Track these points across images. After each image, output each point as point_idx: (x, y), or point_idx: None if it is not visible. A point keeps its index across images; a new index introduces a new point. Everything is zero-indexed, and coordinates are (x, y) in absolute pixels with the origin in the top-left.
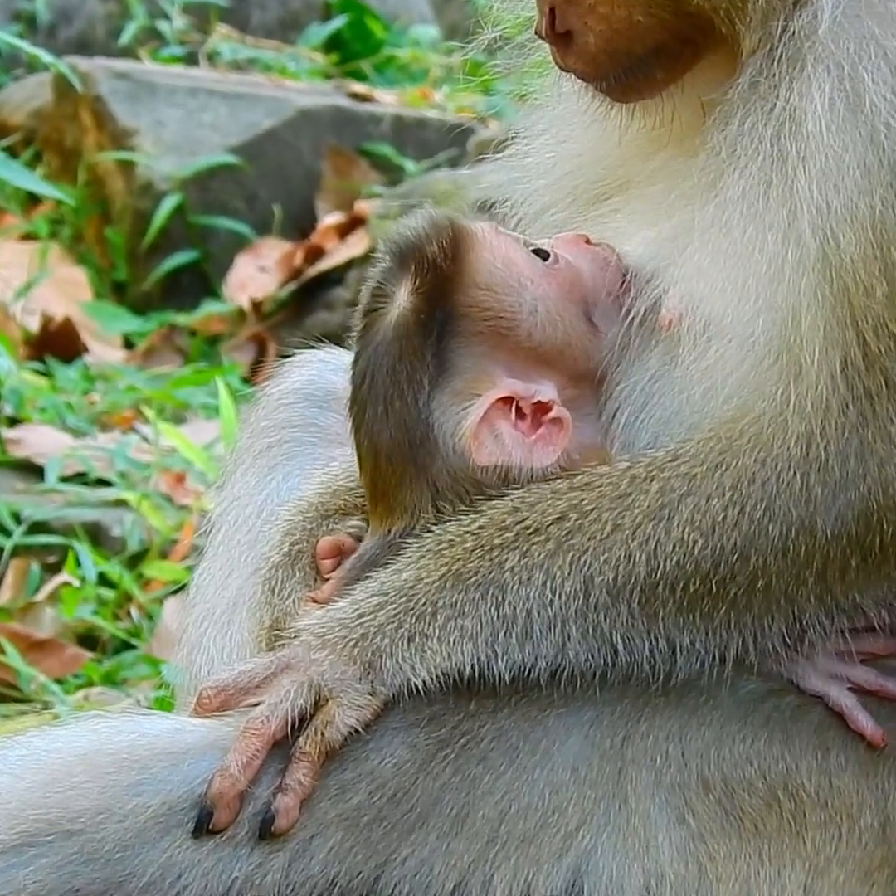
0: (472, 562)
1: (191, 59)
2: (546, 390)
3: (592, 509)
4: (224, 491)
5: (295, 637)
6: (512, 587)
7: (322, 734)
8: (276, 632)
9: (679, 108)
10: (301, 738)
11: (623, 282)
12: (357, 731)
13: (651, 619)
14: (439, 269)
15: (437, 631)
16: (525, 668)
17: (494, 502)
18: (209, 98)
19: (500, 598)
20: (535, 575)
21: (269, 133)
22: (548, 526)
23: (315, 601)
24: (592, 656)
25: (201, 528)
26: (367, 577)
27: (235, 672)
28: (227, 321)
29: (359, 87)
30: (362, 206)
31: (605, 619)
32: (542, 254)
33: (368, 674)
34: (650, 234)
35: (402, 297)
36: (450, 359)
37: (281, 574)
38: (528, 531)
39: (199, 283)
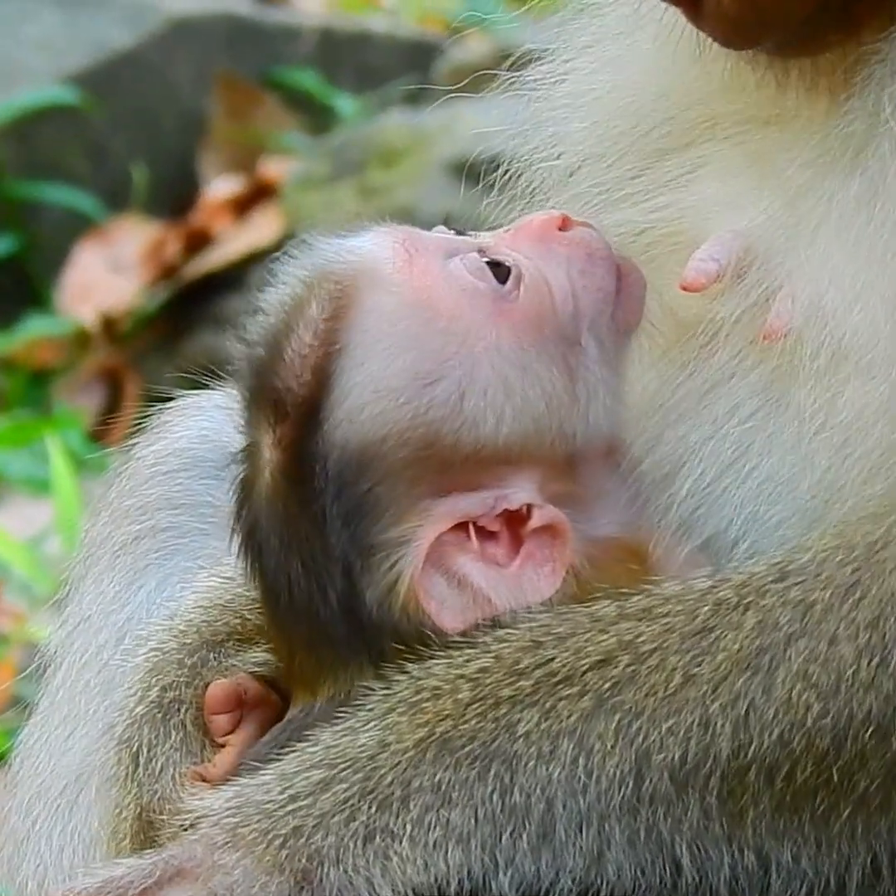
0: (467, 722)
1: None
2: (517, 491)
3: (653, 651)
4: (66, 608)
5: (189, 827)
6: (526, 763)
7: None
8: (147, 823)
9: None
10: None
11: (621, 276)
12: None
13: (735, 822)
14: (302, 398)
15: (409, 827)
16: (541, 887)
17: (504, 632)
18: (34, 1)
19: (507, 780)
20: (561, 746)
21: (126, 55)
22: (584, 672)
23: (204, 780)
24: (643, 872)
25: (29, 667)
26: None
27: (98, 881)
28: (62, 346)
29: None
30: (271, 168)
31: (666, 819)
32: (498, 271)
33: (303, 889)
34: (752, 208)
35: (267, 455)
36: (356, 510)
37: (148, 735)
38: (555, 679)
39: (18, 287)
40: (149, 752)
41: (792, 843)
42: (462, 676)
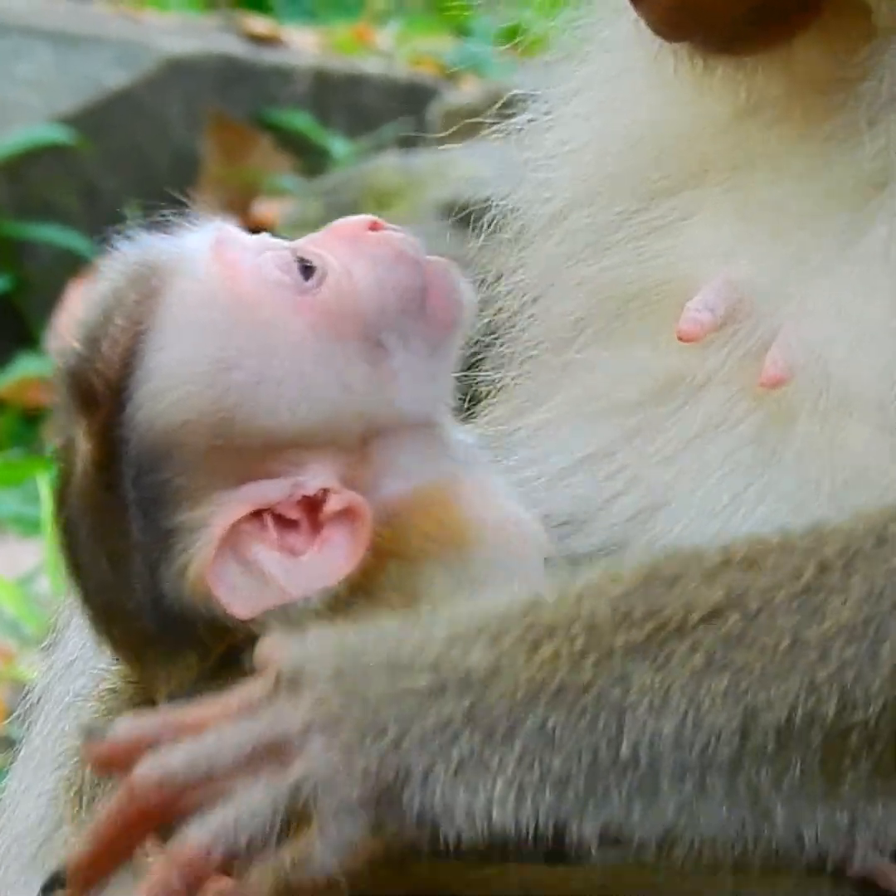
0: (584, 671)
1: None
2: (313, 477)
3: (760, 610)
4: (53, 652)
5: (289, 680)
6: (636, 714)
7: (287, 879)
8: None
9: (810, 68)
10: (255, 872)
11: (429, 274)
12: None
13: (832, 782)
14: (110, 381)
15: (510, 766)
16: (624, 835)
17: (614, 572)
18: (28, 39)
19: (615, 731)
20: (672, 700)
21: (119, 94)
22: (695, 625)
23: None
24: (736, 828)
25: (16, 709)
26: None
27: (187, 755)
28: (54, 387)
29: (259, 24)
30: (265, 208)
31: (766, 776)
32: (306, 268)
33: (380, 801)
34: (745, 254)
35: (81, 446)
36: (154, 497)
37: (91, 774)
38: (665, 631)
39: (9, 327)
40: (90, 791)
41: (883, 803)
42: (577, 618)
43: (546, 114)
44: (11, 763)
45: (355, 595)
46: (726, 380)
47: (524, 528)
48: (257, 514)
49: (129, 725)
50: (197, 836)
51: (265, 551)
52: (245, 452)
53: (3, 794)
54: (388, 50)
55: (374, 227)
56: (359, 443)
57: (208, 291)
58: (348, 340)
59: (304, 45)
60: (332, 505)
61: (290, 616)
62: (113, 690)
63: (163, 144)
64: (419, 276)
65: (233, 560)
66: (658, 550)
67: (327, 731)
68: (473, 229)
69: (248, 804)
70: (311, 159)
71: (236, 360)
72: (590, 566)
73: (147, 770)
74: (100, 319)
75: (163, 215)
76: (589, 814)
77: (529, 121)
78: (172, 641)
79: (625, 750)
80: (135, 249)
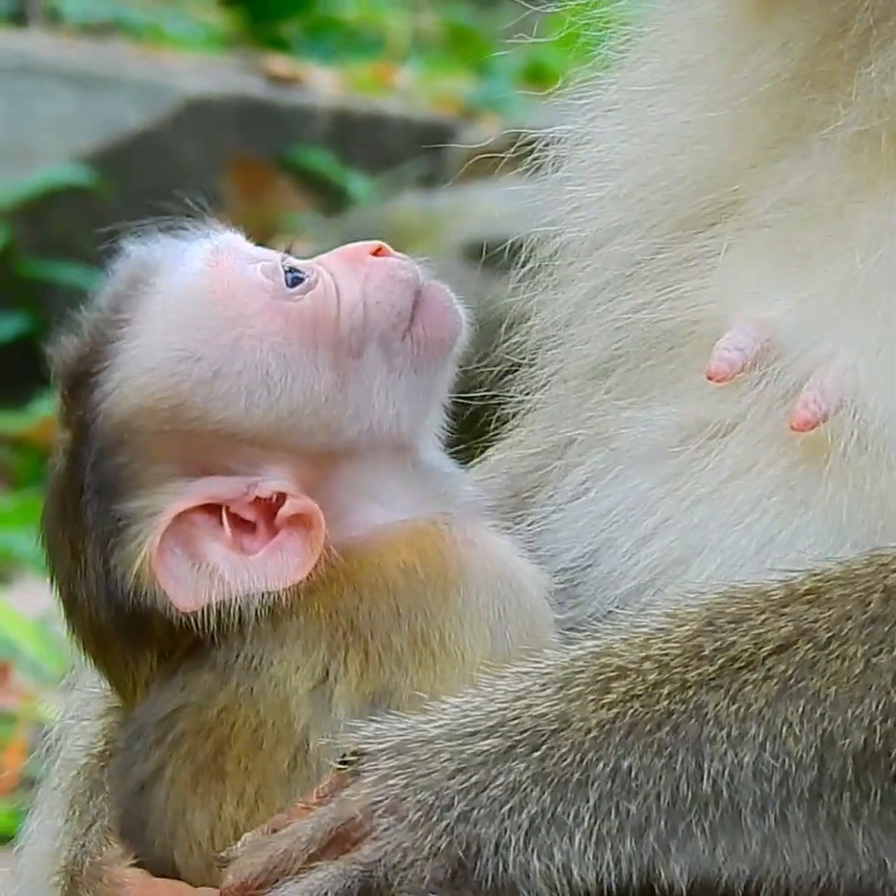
0: (658, 703)
1: (18, 20)
2: (269, 479)
3: (831, 639)
4: (75, 691)
5: (350, 767)
6: (715, 747)
7: None
8: (70, 878)
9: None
10: None
11: (422, 297)
12: None
13: None
14: (86, 368)
15: (586, 817)
16: (711, 875)
17: (676, 612)
18: (47, 80)
19: (695, 766)
20: (749, 730)
21: (140, 135)
22: (766, 657)
23: None
24: (820, 862)
25: (37, 748)
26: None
27: (263, 858)
28: None
29: (279, 64)
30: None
31: (846, 805)
32: (294, 278)
33: (454, 877)
34: (777, 296)
35: (62, 435)
36: (110, 482)
37: (86, 787)
38: (737, 664)
39: (29, 367)
40: (83, 806)
41: None
42: (648, 657)
43: (582, 126)
44: (33, 802)
45: (310, 608)
46: (756, 423)
47: (518, 569)
48: (212, 511)
49: (241, 844)
50: None
51: (214, 546)
52: (200, 444)
53: (25, 835)
54: (407, 89)
55: (377, 251)
56: (324, 455)
57: (189, 287)
58: (320, 349)
59: (324, 85)
60: (287, 509)
61: (234, 615)
62: (114, 707)
63: (184, 184)
64: (409, 298)
65: (181, 551)
66: (718, 591)
67: (392, 811)
68: (496, 268)
69: (316, 883)
70: (331, 198)
71: (199, 351)
72: (634, 615)
73: (230, 879)
74: (94, 312)
75: (178, 223)
76: (672, 857)
77: (563, 133)
78: (128, 638)
79: (705, 785)
80: (141, 249)
